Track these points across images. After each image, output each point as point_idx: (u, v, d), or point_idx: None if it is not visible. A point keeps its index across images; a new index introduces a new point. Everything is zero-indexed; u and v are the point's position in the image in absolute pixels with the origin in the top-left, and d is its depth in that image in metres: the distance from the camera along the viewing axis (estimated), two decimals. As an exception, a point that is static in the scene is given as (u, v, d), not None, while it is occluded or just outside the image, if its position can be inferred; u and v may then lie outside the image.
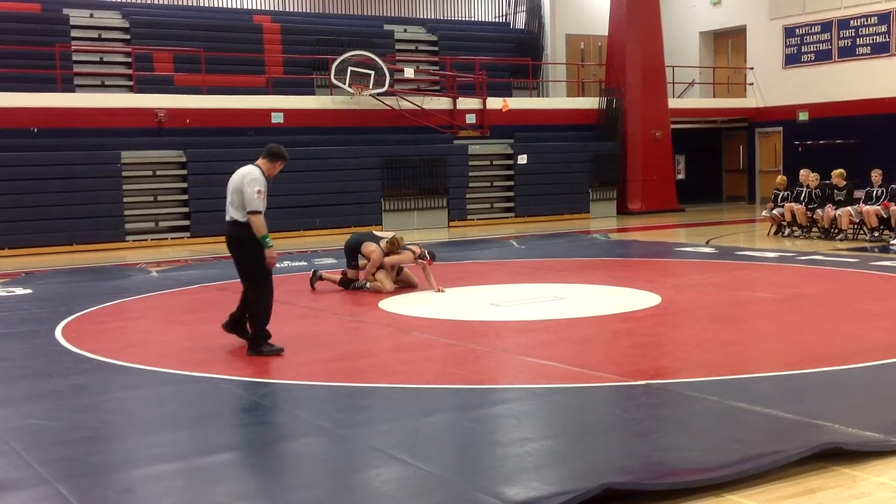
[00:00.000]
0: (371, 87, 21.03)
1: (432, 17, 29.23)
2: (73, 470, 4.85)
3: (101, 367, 7.45)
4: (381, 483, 4.60)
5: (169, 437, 5.51)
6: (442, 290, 10.84)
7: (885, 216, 15.76)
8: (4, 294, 11.79)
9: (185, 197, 19.14)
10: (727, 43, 28.06)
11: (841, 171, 16.84)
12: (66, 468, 4.88)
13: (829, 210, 16.35)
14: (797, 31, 25.25)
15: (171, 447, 5.27)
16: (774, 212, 17.53)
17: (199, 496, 4.49)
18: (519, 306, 9.92)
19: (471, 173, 22.14)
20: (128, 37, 21.75)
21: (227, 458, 5.02)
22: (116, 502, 4.42)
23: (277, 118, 20.67)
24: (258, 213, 7.50)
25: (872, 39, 23.53)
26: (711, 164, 28.05)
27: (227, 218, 7.67)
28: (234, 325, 7.94)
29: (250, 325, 7.74)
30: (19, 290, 12.05)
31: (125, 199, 18.42)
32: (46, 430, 5.66)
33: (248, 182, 7.55)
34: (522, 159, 22.58)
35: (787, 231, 17.22)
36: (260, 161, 7.85)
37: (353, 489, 4.52)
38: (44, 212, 17.57)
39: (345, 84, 20.89)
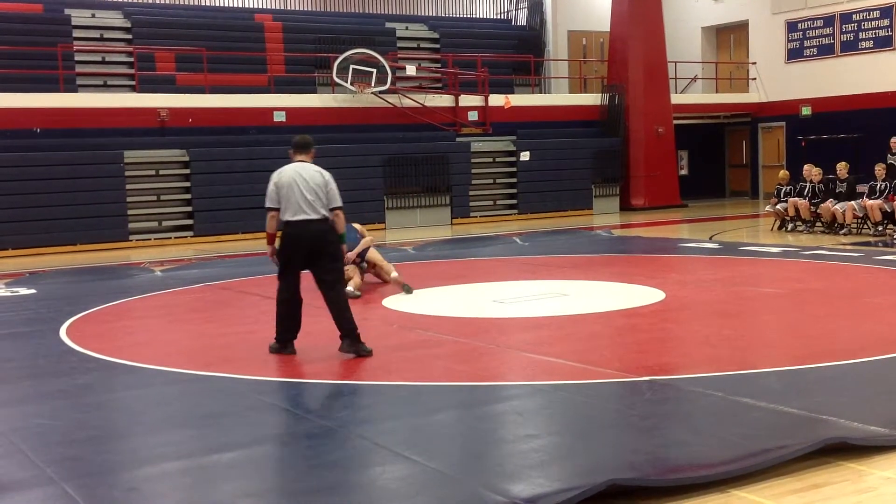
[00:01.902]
0: (373, 85, 21.03)
1: (434, 14, 29.21)
2: (78, 469, 4.86)
3: (106, 366, 7.45)
4: (386, 480, 4.60)
5: (174, 435, 5.52)
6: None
7: (888, 210, 15.74)
8: (9, 294, 11.81)
9: (188, 196, 19.16)
10: (729, 38, 28.01)
11: (845, 163, 16.87)
12: (71, 468, 4.88)
13: (829, 206, 16.36)
14: (799, 25, 25.20)
15: (177, 446, 5.28)
16: (778, 207, 17.52)
17: (204, 495, 4.50)
18: (523, 303, 9.92)
19: (473, 170, 22.13)
20: (129, 36, 21.76)
21: (232, 457, 5.02)
22: (122, 501, 4.42)
23: (280, 117, 20.68)
24: (342, 208, 7.56)
25: (875, 33, 23.48)
26: (714, 159, 28.01)
27: (311, 217, 7.37)
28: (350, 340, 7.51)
29: (346, 321, 7.41)
30: (24, 290, 12.07)
31: (128, 199, 18.45)
32: (52, 429, 5.67)
33: (330, 178, 7.51)
34: (525, 156, 22.58)
35: (790, 226, 17.20)
36: (305, 157, 7.63)
37: (357, 487, 4.53)
38: (47, 212, 17.60)
39: (347, 82, 20.89)
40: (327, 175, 7.51)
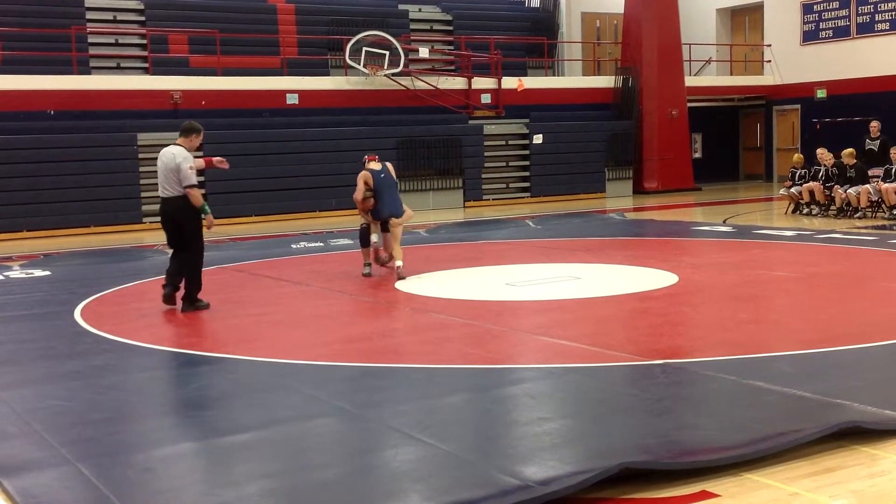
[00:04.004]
0: (386, 67, 20.98)
1: (447, -4, 29.10)
2: (94, 450, 4.89)
3: (120, 347, 7.50)
4: (400, 463, 4.62)
5: (188, 416, 5.54)
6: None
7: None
8: (24, 276, 11.87)
9: (201, 179, 19.16)
10: (744, 20, 27.81)
11: (850, 150, 16.77)
12: (87, 448, 4.91)
13: (838, 191, 16.29)
14: (815, 7, 24.99)
15: (191, 427, 5.31)
16: (792, 190, 17.43)
17: (219, 475, 4.53)
18: (535, 286, 9.91)
19: (486, 153, 22.08)
20: (143, 18, 21.77)
21: (246, 438, 5.04)
22: (137, 481, 4.45)
23: (292, 99, 20.67)
24: (195, 186, 8.70)
25: (891, 15, 23.25)
26: (728, 142, 27.86)
27: (168, 195, 8.68)
28: (173, 297, 8.89)
29: (186, 284, 8.80)
30: (38, 272, 12.13)
31: (141, 181, 18.47)
32: (67, 410, 5.70)
33: (182, 160, 8.65)
34: (538, 139, 22.51)
35: (804, 209, 17.13)
36: (180, 140, 8.93)
37: (371, 469, 4.54)
38: (61, 194, 17.68)
39: (359, 64, 20.85)
40: (179, 158, 8.65)
